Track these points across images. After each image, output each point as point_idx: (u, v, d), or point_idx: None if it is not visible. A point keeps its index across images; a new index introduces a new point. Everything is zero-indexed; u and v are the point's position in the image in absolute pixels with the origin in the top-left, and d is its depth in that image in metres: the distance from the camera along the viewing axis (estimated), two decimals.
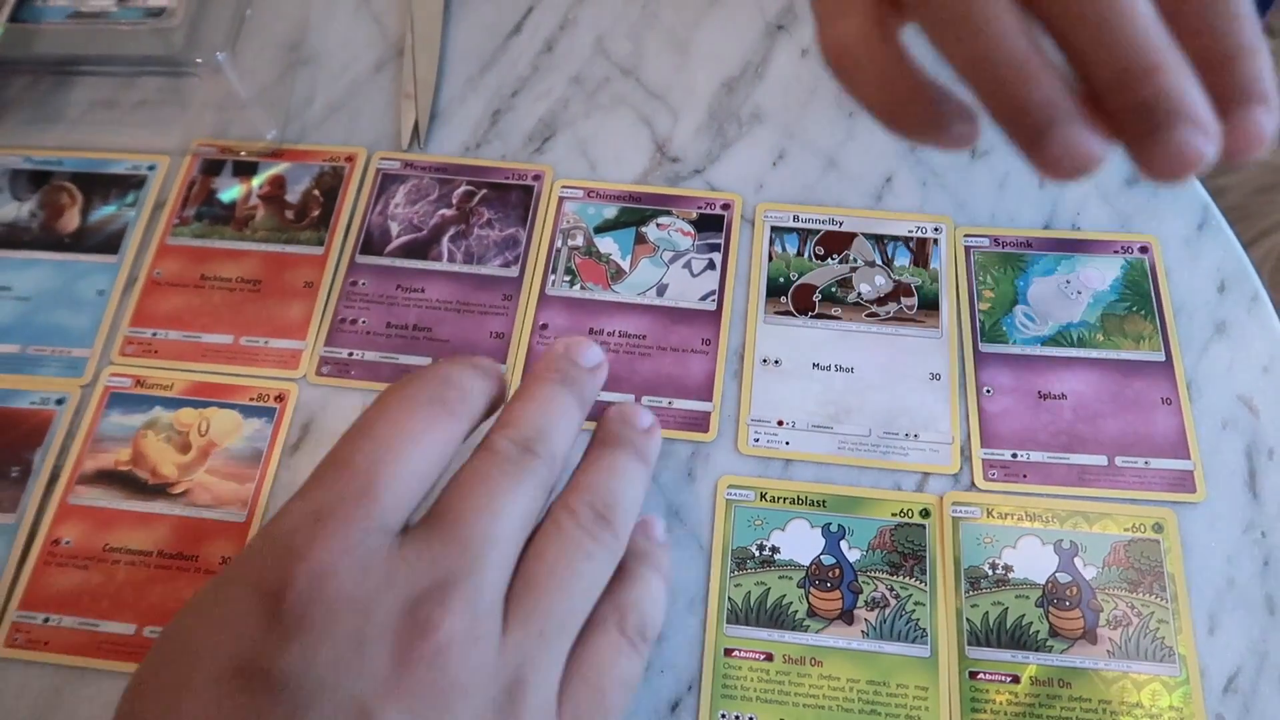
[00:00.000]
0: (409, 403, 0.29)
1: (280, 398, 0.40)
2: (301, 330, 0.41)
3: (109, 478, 0.39)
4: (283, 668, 0.24)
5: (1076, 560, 0.35)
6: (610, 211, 0.43)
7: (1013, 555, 0.35)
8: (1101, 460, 0.37)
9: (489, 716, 0.25)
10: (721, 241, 0.42)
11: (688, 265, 0.41)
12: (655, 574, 0.31)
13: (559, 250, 0.42)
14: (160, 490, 0.38)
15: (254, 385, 0.40)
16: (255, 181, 0.44)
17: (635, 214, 0.43)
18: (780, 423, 0.38)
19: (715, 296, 0.41)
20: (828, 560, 0.36)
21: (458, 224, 0.43)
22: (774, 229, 0.42)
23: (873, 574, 0.35)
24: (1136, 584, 0.35)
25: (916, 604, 0.35)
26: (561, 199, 0.43)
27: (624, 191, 0.43)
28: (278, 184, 0.44)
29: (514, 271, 0.42)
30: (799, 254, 0.41)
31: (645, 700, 0.34)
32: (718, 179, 0.43)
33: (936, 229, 0.42)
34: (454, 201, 0.43)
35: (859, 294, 0.41)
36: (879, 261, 0.41)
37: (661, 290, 0.41)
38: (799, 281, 0.41)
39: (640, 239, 0.42)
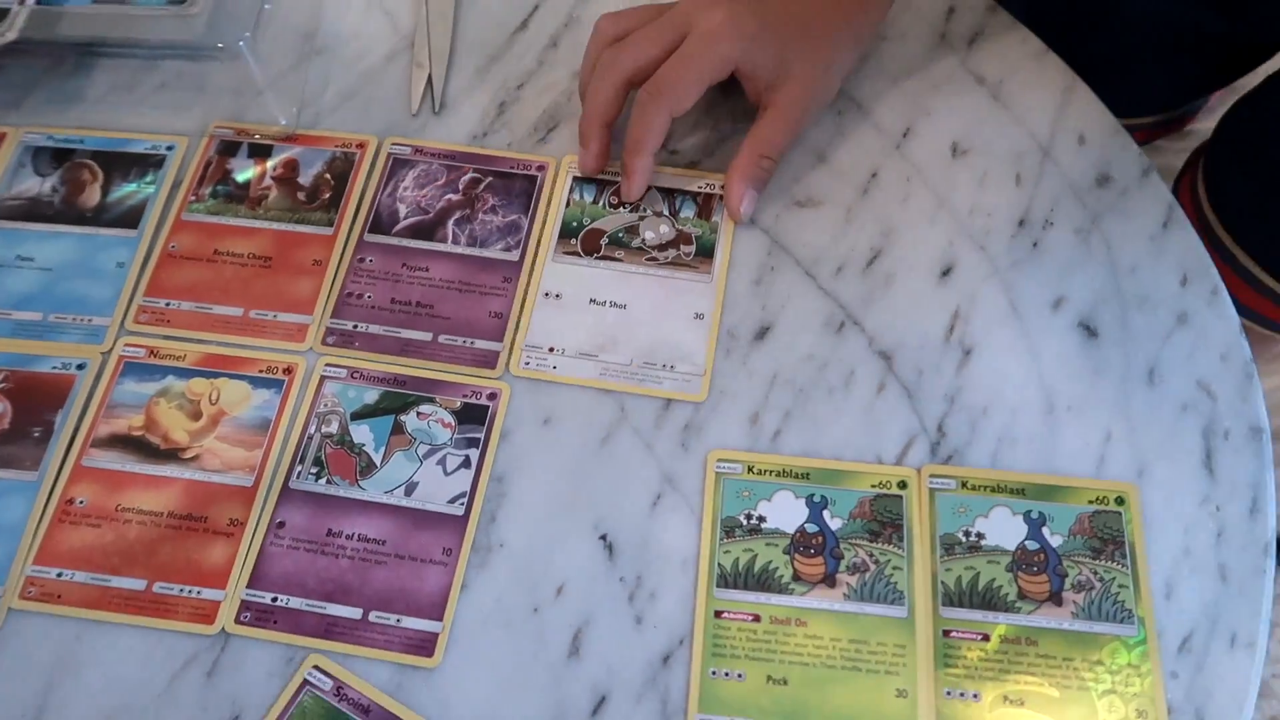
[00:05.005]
0: None
1: (288, 370, 0.41)
2: (309, 305, 0.43)
3: (122, 442, 0.40)
4: None
5: (1044, 529, 0.37)
6: (371, 396, 0.41)
7: (985, 524, 0.37)
8: None
9: None
10: (482, 435, 0.40)
11: (442, 462, 0.39)
12: None
13: (310, 438, 0.40)
14: (171, 455, 0.40)
15: (263, 358, 0.42)
16: (270, 163, 0.45)
17: (397, 400, 0.41)
18: (550, 349, 0.41)
19: (465, 499, 0.39)
20: (811, 528, 0.38)
21: (463, 208, 0.45)
22: (575, 179, 0.45)
23: (854, 541, 0.37)
24: (1099, 551, 0.37)
25: (895, 568, 0.37)
26: (323, 378, 0.41)
27: (389, 374, 0.41)
28: (291, 167, 0.46)
29: (515, 255, 0.44)
30: (594, 202, 0.45)
31: (638, 651, 0.35)
32: (711, 165, 0.45)
33: (723, 185, 0.45)
34: (460, 187, 0.45)
35: (643, 240, 0.44)
36: (666, 212, 0.45)
37: (410, 489, 0.39)
38: (589, 226, 0.44)
39: (397, 428, 0.40)
